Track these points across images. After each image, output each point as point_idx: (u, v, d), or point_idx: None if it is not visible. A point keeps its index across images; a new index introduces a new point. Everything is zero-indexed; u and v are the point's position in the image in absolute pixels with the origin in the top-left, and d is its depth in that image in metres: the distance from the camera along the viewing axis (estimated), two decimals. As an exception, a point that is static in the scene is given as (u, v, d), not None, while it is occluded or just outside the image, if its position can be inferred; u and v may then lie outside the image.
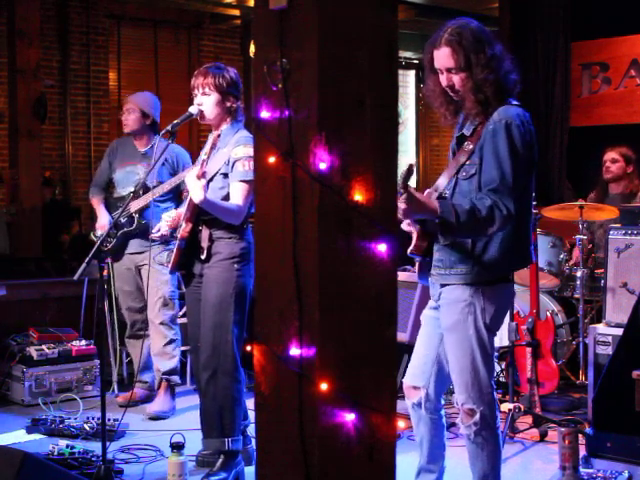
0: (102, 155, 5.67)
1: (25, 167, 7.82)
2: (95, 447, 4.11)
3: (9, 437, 4.68)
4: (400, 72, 11.08)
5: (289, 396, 2.00)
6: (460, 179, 3.09)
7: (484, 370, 3.09)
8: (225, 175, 3.90)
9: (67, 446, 4.14)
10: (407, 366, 3.36)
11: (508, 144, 2.96)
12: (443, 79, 3.08)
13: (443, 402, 3.33)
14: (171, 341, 5.27)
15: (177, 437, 3.87)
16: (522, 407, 4.63)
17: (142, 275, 5.26)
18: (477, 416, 3.10)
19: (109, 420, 4.49)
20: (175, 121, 4.00)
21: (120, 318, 5.59)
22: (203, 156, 3.91)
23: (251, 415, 3.91)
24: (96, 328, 5.76)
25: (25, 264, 6.99)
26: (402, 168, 2.87)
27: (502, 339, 5.17)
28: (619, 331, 4.39)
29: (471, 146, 3.07)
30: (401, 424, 4.22)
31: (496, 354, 5.34)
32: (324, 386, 1.94)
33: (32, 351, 5.48)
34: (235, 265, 3.87)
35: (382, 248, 2.02)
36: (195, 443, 4.08)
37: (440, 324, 3.17)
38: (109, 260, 5.35)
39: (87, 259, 3.80)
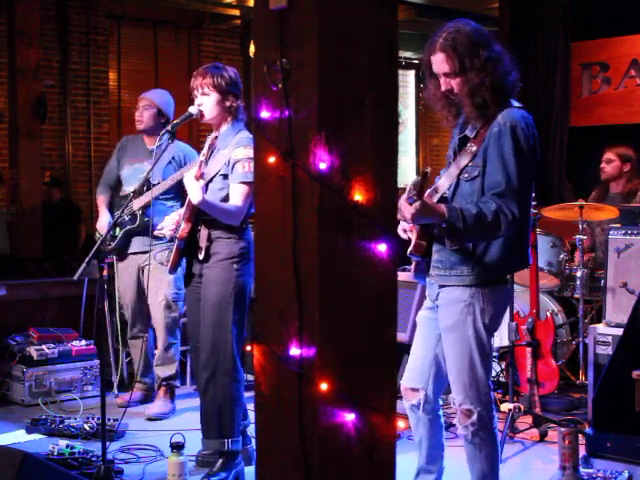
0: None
1: (25, 167, 7.81)
2: (95, 447, 4.11)
3: (9, 437, 4.68)
4: (400, 72, 11.08)
5: (289, 396, 2.00)
6: (462, 181, 3.08)
7: (482, 371, 3.09)
8: (225, 176, 3.90)
9: (67, 446, 4.14)
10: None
11: (513, 147, 2.96)
12: (442, 83, 3.09)
13: (441, 402, 3.33)
14: (172, 345, 5.27)
15: (177, 437, 3.87)
16: (522, 407, 4.63)
17: (144, 276, 5.24)
18: (474, 416, 3.10)
19: (109, 420, 4.48)
20: (175, 121, 3.99)
21: (120, 318, 5.58)
22: (201, 157, 3.91)
23: (251, 415, 3.90)
24: (96, 328, 5.76)
25: (25, 264, 6.99)
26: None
27: (502, 339, 5.17)
28: (619, 331, 4.39)
29: (474, 148, 3.07)
30: (401, 424, 4.22)
31: (496, 354, 5.35)
32: (324, 386, 1.95)
33: (32, 351, 5.48)
34: (234, 265, 3.87)
35: (382, 248, 2.02)
36: (195, 443, 4.08)
37: (437, 325, 3.17)
38: (114, 259, 5.33)
39: (87, 259, 3.80)
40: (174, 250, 3.92)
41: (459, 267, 3.07)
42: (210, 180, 3.90)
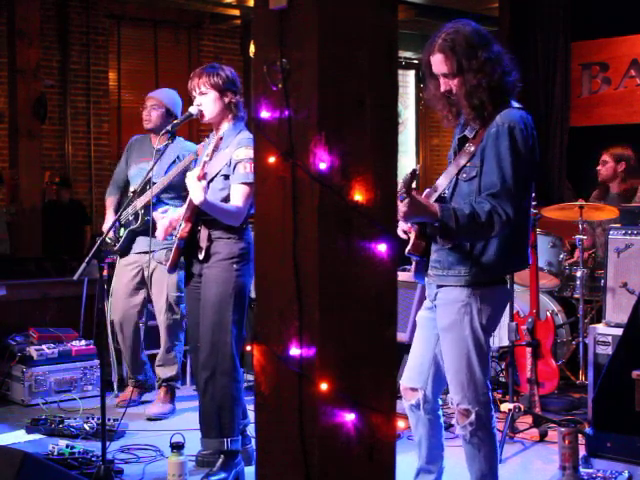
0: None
1: (25, 167, 7.82)
2: (95, 447, 4.11)
3: (9, 437, 4.68)
4: (400, 72, 11.09)
5: (289, 396, 2.00)
6: (460, 180, 3.09)
7: (480, 370, 3.09)
8: (226, 176, 3.90)
9: (67, 446, 4.14)
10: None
11: (510, 148, 2.96)
12: (441, 84, 3.09)
13: (441, 402, 3.33)
14: (174, 346, 5.27)
15: (177, 437, 3.87)
16: (522, 407, 4.63)
17: (147, 276, 5.22)
18: (472, 416, 3.10)
19: (109, 420, 4.49)
20: (175, 121, 3.99)
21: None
22: (205, 158, 3.91)
23: (251, 415, 3.91)
24: (96, 328, 5.76)
25: (25, 264, 6.99)
26: (404, 170, 2.88)
27: (502, 339, 5.17)
28: (619, 331, 4.39)
29: (472, 148, 3.07)
30: (401, 424, 4.22)
31: (496, 354, 5.36)
32: (324, 386, 1.94)
33: (32, 351, 5.47)
34: (234, 265, 3.87)
35: (382, 248, 2.02)
36: (195, 443, 4.08)
37: (436, 324, 3.17)
38: (116, 258, 5.31)
39: (87, 259, 3.80)
40: (174, 249, 3.92)
41: (457, 267, 3.07)
42: (211, 180, 3.90)
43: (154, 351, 5.48)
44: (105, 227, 5.27)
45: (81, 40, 9.38)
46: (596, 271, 5.81)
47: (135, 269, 5.26)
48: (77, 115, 9.38)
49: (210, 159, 3.91)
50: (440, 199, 3.10)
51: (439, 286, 3.14)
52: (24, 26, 7.75)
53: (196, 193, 3.75)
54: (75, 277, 3.86)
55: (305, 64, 1.96)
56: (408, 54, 11.77)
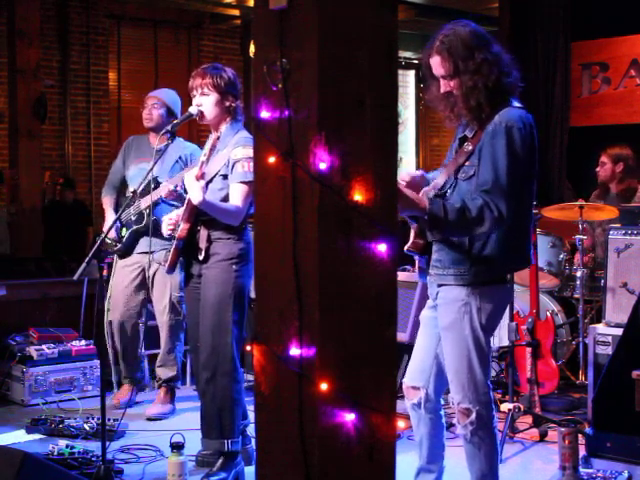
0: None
1: (25, 167, 7.83)
2: (95, 447, 4.11)
3: (9, 437, 4.68)
4: (400, 72, 11.09)
5: (289, 396, 2.00)
6: (460, 180, 3.09)
7: (480, 370, 3.09)
8: (224, 176, 3.90)
9: (67, 446, 4.13)
10: (407, 366, 3.36)
11: (507, 147, 2.96)
12: (441, 85, 3.10)
13: (442, 402, 3.33)
14: (175, 347, 5.27)
15: (177, 437, 3.87)
16: (522, 407, 4.63)
17: (148, 277, 5.22)
18: (473, 416, 3.10)
19: (109, 420, 4.48)
20: (175, 121, 3.99)
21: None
22: (202, 157, 3.91)
23: (251, 415, 3.91)
24: (96, 328, 5.76)
25: (25, 264, 6.99)
26: (404, 169, 2.88)
27: (502, 339, 5.17)
28: (619, 331, 4.39)
29: (470, 147, 3.08)
30: (401, 424, 4.22)
31: (496, 354, 5.36)
32: (324, 386, 1.94)
33: (32, 351, 5.47)
34: (234, 266, 3.87)
35: (382, 248, 2.02)
36: (195, 443, 4.08)
37: (437, 324, 3.17)
38: (115, 258, 5.30)
39: (87, 259, 3.80)
40: (172, 250, 3.92)
41: (457, 266, 3.07)
42: (210, 180, 3.90)
43: (154, 351, 5.48)
44: (106, 227, 5.25)
45: (81, 40, 9.38)
46: (596, 271, 5.81)
47: (137, 270, 5.25)
48: (77, 115, 9.38)
49: (208, 159, 3.91)
50: (438, 197, 3.10)
51: (440, 285, 3.14)
52: (24, 26, 7.75)
53: (195, 193, 3.75)
54: (75, 277, 3.86)
55: (305, 64, 1.96)
56: (408, 54, 11.77)
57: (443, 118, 3.23)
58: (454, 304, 3.08)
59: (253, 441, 3.81)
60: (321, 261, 1.94)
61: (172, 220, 3.95)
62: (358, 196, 1.98)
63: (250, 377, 5.18)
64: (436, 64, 3.07)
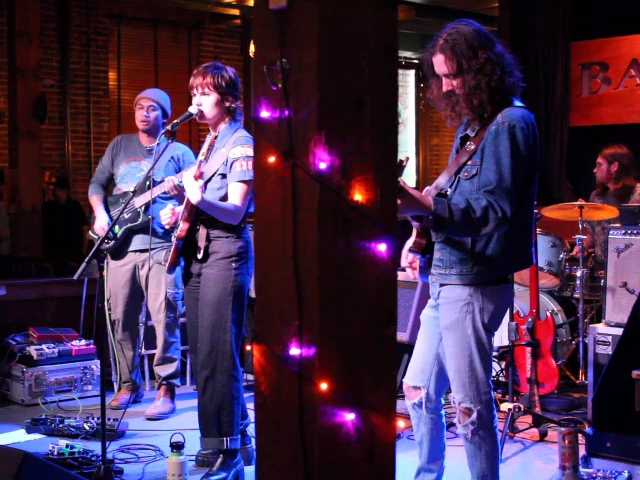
0: (102, 154, 5.63)
1: (25, 167, 7.83)
2: (95, 447, 4.11)
3: (9, 437, 4.68)
4: (400, 72, 11.09)
5: (289, 396, 2.00)
6: (462, 179, 3.09)
7: (482, 370, 3.09)
8: (223, 175, 3.90)
9: (67, 446, 4.13)
10: (407, 366, 3.36)
11: (510, 146, 2.97)
12: (443, 84, 3.10)
13: (443, 402, 3.33)
14: (171, 344, 5.27)
15: (177, 437, 3.87)
16: (522, 407, 4.63)
17: (142, 275, 5.23)
18: (474, 415, 3.10)
19: (109, 420, 4.49)
20: (175, 121, 3.99)
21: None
22: (200, 157, 3.91)
23: (251, 415, 3.91)
24: (96, 328, 5.76)
25: (25, 264, 6.99)
26: (404, 169, 2.88)
27: (502, 339, 5.17)
28: (619, 331, 4.40)
29: (473, 146, 3.08)
30: (401, 424, 4.22)
31: (496, 354, 5.35)
32: (324, 386, 1.94)
33: (32, 351, 5.47)
34: (233, 264, 3.87)
35: (382, 248, 2.02)
36: (195, 443, 4.09)
37: (439, 323, 3.17)
38: (107, 257, 5.30)
39: (87, 258, 3.80)
40: (172, 249, 3.92)
41: (459, 266, 3.07)
42: (209, 179, 3.90)
43: (153, 351, 5.47)
44: (98, 225, 5.25)
45: (81, 40, 9.39)
46: (596, 271, 5.81)
47: (132, 269, 5.25)
48: (77, 115, 9.39)
49: (206, 158, 3.91)
50: (440, 196, 3.10)
51: (442, 285, 3.14)
52: (24, 26, 7.75)
53: (193, 193, 3.75)
54: (75, 277, 3.87)
55: (305, 64, 1.96)
56: (408, 54, 11.77)
57: (444, 117, 3.23)
58: (456, 303, 3.08)
59: (253, 441, 3.81)
60: (321, 261, 1.94)
61: (169, 212, 3.94)
62: (358, 196, 1.98)
63: (250, 377, 5.18)
64: (439, 62, 3.07)
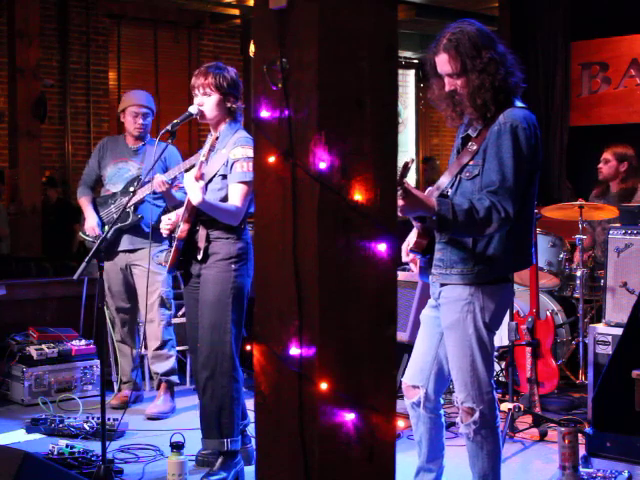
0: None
1: (25, 167, 7.82)
2: (95, 447, 4.11)
3: (9, 437, 4.68)
4: (400, 72, 11.10)
5: (289, 396, 2.00)
6: (463, 179, 3.09)
7: (484, 369, 3.09)
8: (224, 176, 3.90)
9: (67, 446, 4.13)
10: (407, 365, 3.36)
11: (512, 147, 2.97)
12: (446, 83, 3.10)
13: (442, 401, 3.33)
14: (166, 342, 5.27)
15: (177, 437, 3.87)
16: (522, 407, 4.63)
17: (134, 274, 5.23)
18: (476, 415, 3.10)
19: (109, 420, 4.49)
20: (175, 121, 3.99)
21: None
22: (201, 158, 3.90)
23: (251, 415, 3.91)
24: (96, 328, 5.76)
25: (25, 264, 6.99)
26: (400, 164, 2.87)
27: (502, 339, 5.17)
28: (619, 331, 4.39)
29: (475, 147, 3.08)
30: (401, 424, 4.22)
31: (496, 354, 5.35)
32: (324, 386, 1.95)
33: (32, 351, 5.47)
34: (233, 265, 3.87)
35: (382, 248, 2.02)
36: (195, 443, 4.09)
37: (439, 323, 3.18)
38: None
39: (87, 258, 3.81)
40: (173, 250, 3.92)
41: (460, 265, 3.08)
42: (209, 180, 3.90)
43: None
44: (88, 225, 5.26)
45: (81, 40, 9.39)
46: (596, 271, 5.81)
47: (123, 268, 5.25)
48: (77, 115, 9.39)
49: (207, 159, 3.91)
50: (442, 197, 3.10)
51: (442, 284, 3.14)
52: (24, 26, 7.74)
53: (194, 194, 3.75)
54: (75, 277, 3.87)
55: (305, 64, 1.96)
56: (408, 54, 11.77)
57: (444, 117, 3.23)
58: (457, 303, 3.09)
59: (253, 441, 3.81)
60: (321, 261, 1.95)
61: (171, 221, 3.94)
62: (358, 196, 1.98)
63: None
64: (443, 62, 3.06)
